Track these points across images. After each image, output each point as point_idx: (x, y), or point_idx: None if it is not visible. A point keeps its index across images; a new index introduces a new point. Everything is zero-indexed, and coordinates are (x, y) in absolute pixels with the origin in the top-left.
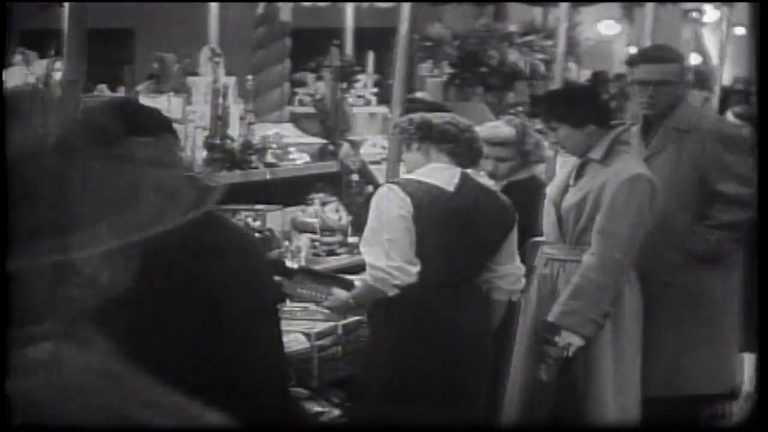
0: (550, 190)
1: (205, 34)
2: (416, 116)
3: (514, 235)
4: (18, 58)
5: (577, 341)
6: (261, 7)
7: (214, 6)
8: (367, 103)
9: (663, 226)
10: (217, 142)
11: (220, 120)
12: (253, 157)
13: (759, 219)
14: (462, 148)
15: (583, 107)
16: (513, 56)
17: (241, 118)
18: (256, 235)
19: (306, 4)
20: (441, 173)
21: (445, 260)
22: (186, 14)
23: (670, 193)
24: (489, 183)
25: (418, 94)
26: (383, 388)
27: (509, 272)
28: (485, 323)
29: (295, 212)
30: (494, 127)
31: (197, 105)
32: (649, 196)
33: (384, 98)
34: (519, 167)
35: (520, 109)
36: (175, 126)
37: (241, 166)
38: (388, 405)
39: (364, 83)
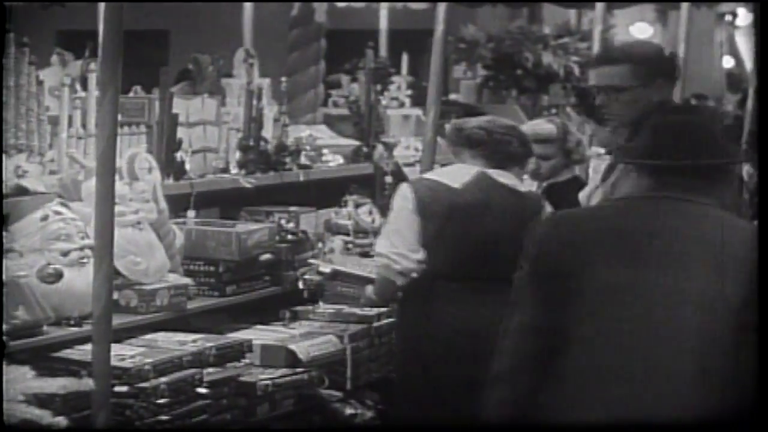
0: (581, 194)
1: (239, 36)
2: (452, 122)
3: None
4: (55, 58)
5: None
6: (296, 9)
7: (248, 7)
8: (401, 105)
9: None
10: (252, 143)
11: (254, 122)
12: (287, 159)
13: (759, 219)
14: (490, 151)
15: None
16: (547, 59)
17: (276, 120)
18: (289, 237)
19: (340, 5)
20: (454, 172)
21: (455, 252)
22: (220, 16)
23: None
24: (512, 182)
25: (453, 97)
26: (412, 384)
27: None
28: None
29: (329, 214)
30: (536, 125)
31: (231, 107)
32: None
33: (418, 100)
34: (561, 167)
35: (554, 111)
36: (209, 128)
37: (275, 167)
38: (419, 402)
39: (398, 85)
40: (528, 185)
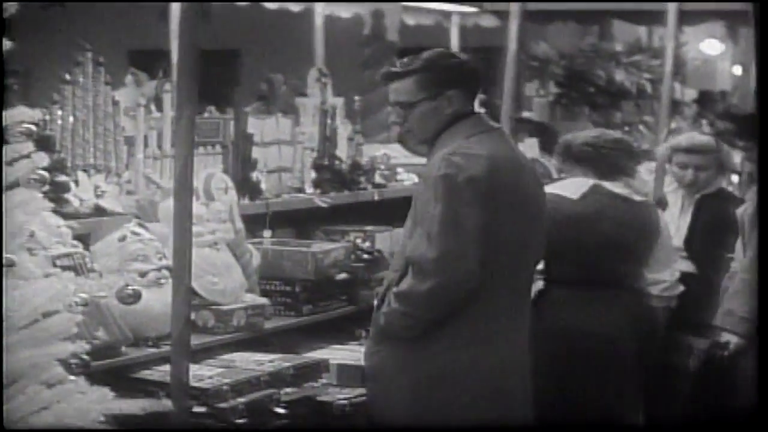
0: (738, 210)
1: (311, 55)
2: (561, 139)
3: (663, 244)
4: (129, 78)
5: (734, 339)
6: (368, 28)
7: (319, 26)
8: None
9: None
10: (326, 163)
11: (328, 141)
12: (362, 178)
13: (759, 219)
14: (598, 165)
15: None
16: (620, 76)
17: (350, 139)
18: (365, 256)
19: (411, 23)
20: (571, 185)
21: (570, 259)
22: (292, 35)
23: None
24: (626, 192)
25: (525, 114)
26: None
27: (660, 279)
28: (627, 325)
29: None
30: (692, 136)
31: (306, 126)
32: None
33: (491, 118)
34: (713, 177)
35: (626, 128)
36: (284, 147)
37: (350, 186)
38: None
39: None
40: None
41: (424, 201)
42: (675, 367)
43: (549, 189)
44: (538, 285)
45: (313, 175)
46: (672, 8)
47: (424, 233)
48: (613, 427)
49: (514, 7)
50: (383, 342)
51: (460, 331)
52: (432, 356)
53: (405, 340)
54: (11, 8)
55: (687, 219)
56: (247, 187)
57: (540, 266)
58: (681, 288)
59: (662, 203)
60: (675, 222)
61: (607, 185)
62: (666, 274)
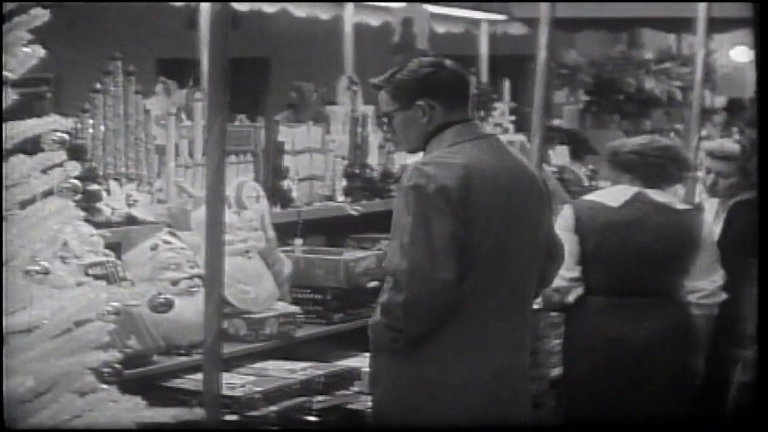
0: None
1: (340, 63)
2: (608, 147)
3: (705, 252)
4: (159, 87)
5: None
6: (397, 36)
7: (349, 34)
8: (505, 131)
9: None
10: (357, 171)
11: (359, 149)
12: (393, 186)
13: (759, 219)
14: (645, 173)
15: None
16: (650, 84)
17: (380, 147)
18: None
19: (441, 31)
20: (613, 193)
21: (610, 268)
22: (321, 43)
23: None
24: (669, 201)
25: (555, 122)
26: (574, 387)
27: (700, 287)
28: (667, 334)
29: None
30: (723, 142)
31: (336, 134)
32: None
33: (521, 126)
34: (740, 186)
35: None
36: (315, 155)
37: (381, 194)
38: (580, 410)
39: (501, 111)
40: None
41: (397, 210)
42: (721, 378)
43: (590, 197)
44: (578, 291)
45: (343, 183)
46: (701, 16)
47: (397, 244)
48: (612, 427)
49: (544, 15)
50: (377, 353)
51: (449, 341)
52: (421, 365)
53: (395, 352)
54: (43, 16)
55: (720, 226)
56: (278, 196)
57: (578, 273)
58: (723, 296)
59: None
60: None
61: (651, 193)
62: (706, 282)
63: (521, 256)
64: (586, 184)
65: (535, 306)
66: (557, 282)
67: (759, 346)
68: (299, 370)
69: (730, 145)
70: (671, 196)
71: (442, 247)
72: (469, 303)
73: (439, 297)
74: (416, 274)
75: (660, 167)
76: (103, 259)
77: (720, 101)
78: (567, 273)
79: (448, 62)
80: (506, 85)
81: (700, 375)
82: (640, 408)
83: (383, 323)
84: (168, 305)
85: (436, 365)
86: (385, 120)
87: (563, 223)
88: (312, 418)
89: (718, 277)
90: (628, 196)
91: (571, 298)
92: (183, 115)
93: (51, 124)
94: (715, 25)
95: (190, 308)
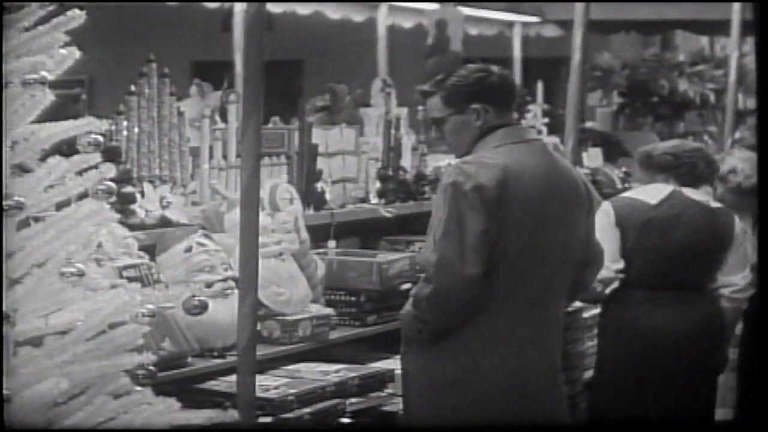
0: None
1: (373, 65)
2: (641, 149)
3: (737, 248)
4: (193, 89)
5: None
6: (431, 38)
7: (383, 37)
8: (539, 133)
9: None
10: (390, 173)
11: (392, 151)
12: (427, 188)
13: (759, 218)
14: (679, 173)
15: None
16: (683, 86)
17: (414, 149)
18: None
19: (474, 33)
20: (651, 190)
21: (648, 262)
22: (355, 46)
23: None
24: (704, 199)
25: (588, 124)
26: (611, 385)
27: (733, 282)
28: (702, 324)
29: None
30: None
31: (370, 136)
32: None
33: (553, 128)
34: None
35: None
36: (348, 157)
37: (414, 197)
38: (616, 402)
39: (535, 113)
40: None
41: (435, 207)
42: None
43: (628, 194)
44: (614, 284)
45: (377, 185)
46: (735, 18)
47: (431, 238)
48: (610, 426)
49: (579, 17)
50: (407, 344)
51: (475, 336)
52: (446, 358)
53: (423, 343)
54: (80, 17)
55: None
56: (311, 198)
57: (622, 265)
58: (752, 291)
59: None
60: None
61: (687, 191)
62: (738, 277)
63: (551, 257)
64: (619, 186)
65: (569, 309)
66: (604, 273)
67: (759, 347)
68: (333, 372)
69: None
70: (705, 195)
71: (472, 244)
72: (496, 300)
73: (464, 291)
74: (444, 267)
75: (693, 166)
76: (138, 261)
77: (753, 103)
78: (612, 265)
79: (495, 68)
80: (539, 87)
81: (726, 364)
82: (671, 396)
83: (411, 314)
84: (202, 307)
85: (461, 359)
86: (436, 125)
87: (605, 219)
88: (345, 421)
89: (749, 273)
90: (665, 194)
91: (607, 290)
92: (217, 117)
93: (86, 126)
94: (749, 28)
95: (224, 311)
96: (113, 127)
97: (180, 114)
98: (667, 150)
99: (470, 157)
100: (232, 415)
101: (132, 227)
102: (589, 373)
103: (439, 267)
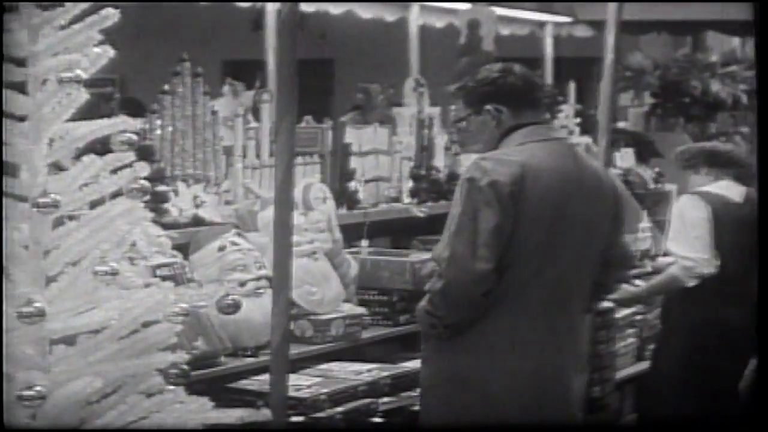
0: None
1: (405, 64)
2: (702, 147)
3: None
4: (227, 89)
5: None
6: (463, 38)
7: (414, 36)
8: (571, 133)
9: None
10: (423, 172)
11: (425, 150)
12: None
13: (759, 219)
14: (744, 171)
15: None
16: (715, 86)
17: (446, 149)
18: None
19: (506, 33)
20: (729, 188)
21: (735, 259)
22: (386, 45)
23: None
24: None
25: (620, 124)
26: (674, 377)
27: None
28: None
29: None
30: None
31: (403, 136)
32: None
33: (585, 128)
34: None
35: (723, 139)
36: (381, 157)
37: (447, 196)
38: (677, 396)
39: (567, 114)
40: None
41: (453, 202)
42: None
43: (707, 188)
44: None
45: (410, 184)
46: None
47: (447, 233)
48: (609, 427)
49: (611, 17)
50: (425, 341)
51: (489, 333)
52: (459, 357)
53: (439, 340)
54: (113, 16)
55: None
56: (344, 197)
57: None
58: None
59: None
60: None
61: (751, 192)
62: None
63: (568, 256)
64: (652, 186)
65: (601, 309)
66: (706, 269)
67: (759, 347)
68: (365, 371)
69: None
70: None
71: (484, 239)
72: (511, 297)
73: (475, 286)
74: (456, 262)
75: (751, 167)
76: (171, 260)
77: None
78: (715, 261)
79: (516, 67)
80: (571, 87)
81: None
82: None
83: (424, 308)
84: (235, 306)
85: (474, 357)
86: (460, 125)
87: (698, 213)
88: (378, 420)
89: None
90: (744, 193)
91: (692, 282)
92: (250, 117)
93: (119, 125)
94: None
95: (257, 310)
96: (147, 126)
97: (213, 113)
98: (731, 149)
99: (489, 154)
100: (264, 414)
101: (165, 226)
102: (621, 374)
103: (451, 261)
